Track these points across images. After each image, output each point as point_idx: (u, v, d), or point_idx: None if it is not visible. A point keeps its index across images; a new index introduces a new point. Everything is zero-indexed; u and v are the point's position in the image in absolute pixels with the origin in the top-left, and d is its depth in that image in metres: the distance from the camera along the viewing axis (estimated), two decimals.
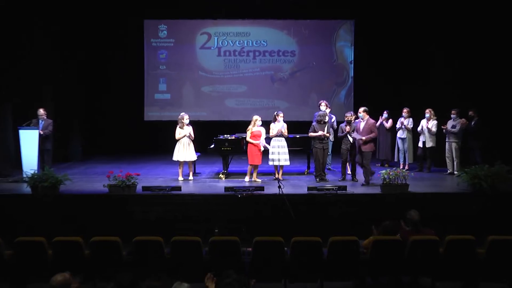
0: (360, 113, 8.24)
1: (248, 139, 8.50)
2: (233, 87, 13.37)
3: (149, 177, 8.90)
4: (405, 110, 9.84)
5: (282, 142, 8.57)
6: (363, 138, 8.06)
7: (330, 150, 9.70)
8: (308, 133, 8.65)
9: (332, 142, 9.75)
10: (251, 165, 8.53)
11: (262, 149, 8.43)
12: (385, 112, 10.47)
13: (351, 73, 13.34)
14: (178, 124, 8.66)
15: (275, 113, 8.69)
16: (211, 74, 13.29)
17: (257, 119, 8.53)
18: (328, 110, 9.35)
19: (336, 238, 4.84)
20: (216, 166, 10.55)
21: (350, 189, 7.41)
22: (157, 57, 13.15)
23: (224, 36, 13.29)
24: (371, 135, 8.02)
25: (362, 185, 7.88)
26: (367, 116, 8.22)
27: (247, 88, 13.48)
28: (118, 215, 6.96)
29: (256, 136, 8.41)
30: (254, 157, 8.45)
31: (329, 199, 7.05)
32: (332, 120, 9.51)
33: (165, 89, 13.27)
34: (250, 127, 8.55)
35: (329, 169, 9.82)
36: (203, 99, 13.37)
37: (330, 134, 9.41)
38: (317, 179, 8.45)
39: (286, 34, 13.34)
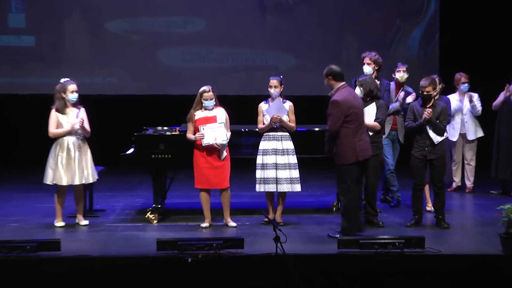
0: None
1: (188, 135, 8.57)
2: (175, 22, 13.49)
3: None
4: None
5: (286, 143, 8.61)
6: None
7: (391, 161, 9.77)
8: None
9: (399, 142, 9.83)
10: (202, 191, 8.58)
11: (224, 154, 8.46)
12: None
13: None
14: (54, 103, 8.61)
15: (270, 81, 8.71)
16: None
17: (203, 92, 8.53)
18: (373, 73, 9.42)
19: None
20: (140, 195, 10.63)
21: (433, 245, 7.45)
22: None
23: None
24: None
25: (330, 236, 7.91)
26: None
27: (207, 24, 13.57)
28: None
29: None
30: (206, 174, 8.52)
31: (385, 266, 7.15)
32: (400, 96, 9.57)
33: (23, 25, 13.31)
34: (191, 111, 8.60)
35: (385, 200, 9.92)
36: (109, 49, 13.46)
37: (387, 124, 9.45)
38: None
39: None
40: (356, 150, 7.80)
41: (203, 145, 8.36)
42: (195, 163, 8.52)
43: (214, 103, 8.53)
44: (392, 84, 9.64)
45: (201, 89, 8.54)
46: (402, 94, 9.44)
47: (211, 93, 8.49)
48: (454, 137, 10.56)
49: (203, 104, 8.48)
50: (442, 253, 7.28)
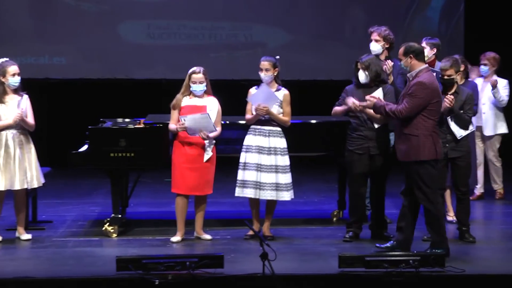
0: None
1: (170, 126, 8.62)
2: None
3: None
4: None
5: (274, 140, 8.65)
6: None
7: None
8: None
9: None
10: (179, 197, 8.63)
11: (209, 154, 8.53)
12: None
13: None
14: None
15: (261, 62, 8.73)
16: None
17: (192, 73, 8.60)
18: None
19: None
20: (96, 203, 10.65)
21: (456, 263, 7.45)
22: None
23: None
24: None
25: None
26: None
27: None
28: None
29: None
30: (185, 176, 8.58)
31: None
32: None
33: None
34: (178, 96, 8.64)
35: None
36: (57, 22, 13.47)
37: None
38: (347, 235, 8.66)
39: None
40: (435, 145, 7.84)
41: (189, 135, 8.42)
42: (174, 162, 8.56)
43: (205, 88, 8.56)
44: None
45: (191, 70, 8.57)
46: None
47: (201, 75, 8.51)
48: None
49: (191, 89, 8.52)
50: (467, 273, 7.28)
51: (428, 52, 9.49)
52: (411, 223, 8.00)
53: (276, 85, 8.64)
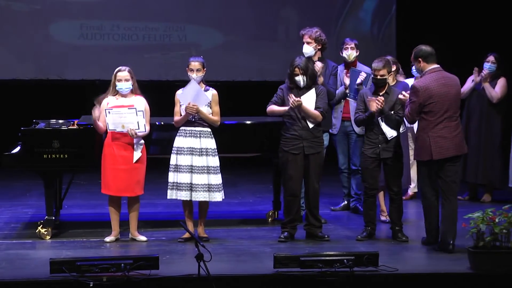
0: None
1: (96, 122, 8.54)
2: None
3: None
4: None
5: (205, 141, 8.62)
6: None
7: (341, 160, 10.04)
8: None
9: (354, 136, 10.02)
10: (111, 198, 8.60)
11: (139, 155, 8.48)
12: (489, 57, 10.82)
13: None
14: None
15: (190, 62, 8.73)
16: None
17: (118, 71, 8.55)
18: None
19: None
20: (29, 205, 10.60)
21: (389, 262, 7.54)
22: None
23: None
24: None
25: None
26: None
27: None
28: None
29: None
30: (113, 177, 8.55)
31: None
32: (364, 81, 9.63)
33: None
34: (104, 95, 8.59)
35: (354, 208, 10.16)
36: None
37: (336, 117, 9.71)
38: (282, 235, 8.67)
39: None
40: (431, 146, 8.03)
41: (108, 130, 8.39)
42: (103, 163, 8.52)
43: (131, 87, 8.51)
44: (342, 66, 9.75)
45: (116, 69, 8.51)
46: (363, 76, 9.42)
47: (126, 73, 8.47)
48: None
49: (117, 87, 8.47)
50: (400, 272, 7.38)
51: (354, 53, 9.63)
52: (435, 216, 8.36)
53: (203, 85, 8.61)
